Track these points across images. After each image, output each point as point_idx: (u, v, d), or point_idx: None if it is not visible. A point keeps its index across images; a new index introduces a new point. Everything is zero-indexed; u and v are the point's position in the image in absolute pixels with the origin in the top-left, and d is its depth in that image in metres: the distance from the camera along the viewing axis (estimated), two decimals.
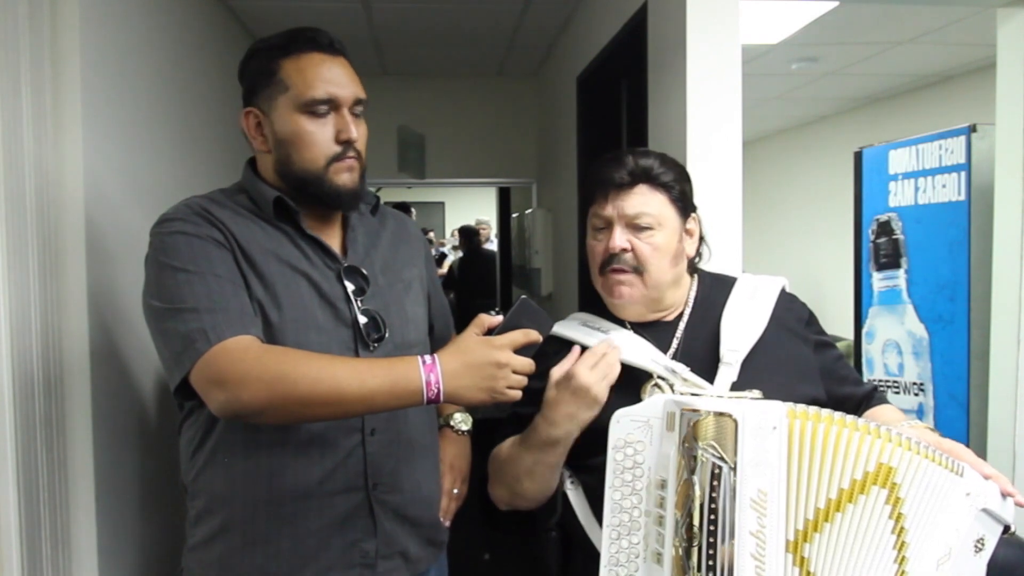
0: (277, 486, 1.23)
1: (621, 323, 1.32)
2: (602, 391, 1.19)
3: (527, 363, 1.13)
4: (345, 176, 1.27)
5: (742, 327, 1.27)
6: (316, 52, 1.25)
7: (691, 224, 1.33)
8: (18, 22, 1.52)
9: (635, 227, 1.26)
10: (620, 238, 1.26)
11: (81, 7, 1.71)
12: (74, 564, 1.67)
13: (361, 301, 1.29)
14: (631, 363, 1.24)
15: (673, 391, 1.19)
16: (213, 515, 1.26)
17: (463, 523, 1.50)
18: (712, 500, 0.98)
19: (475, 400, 1.12)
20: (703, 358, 1.25)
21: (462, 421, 1.54)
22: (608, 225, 1.28)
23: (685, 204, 1.31)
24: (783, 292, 1.35)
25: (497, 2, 3.38)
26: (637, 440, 1.08)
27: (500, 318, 1.15)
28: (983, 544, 1.06)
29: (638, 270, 1.26)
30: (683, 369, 1.22)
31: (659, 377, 1.22)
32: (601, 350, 1.21)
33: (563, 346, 1.31)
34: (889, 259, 2.73)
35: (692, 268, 1.37)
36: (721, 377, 1.22)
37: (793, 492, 1.00)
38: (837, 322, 3.51)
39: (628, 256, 1.26)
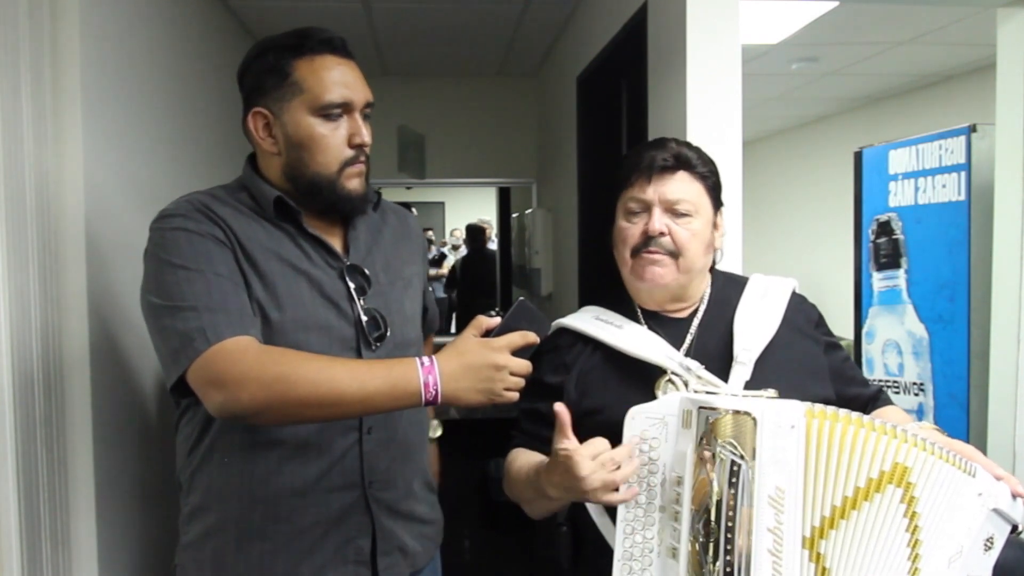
0: (274, 484, 1.23)
1: (635, 318, 1.33)
2: (598, 492, 1.05)
3: (525, 365, 1.13)
4: (355, 182, 1.27)
5: (756, 327, 1.27)
6: (330, 54, 1.25)
7: (719, 218, 1.34)
8: (18, 22, 1.51)
9: (674, 212, 1.27)
10: (659, 221, 1.26)
11: (81, 7, 1.70)
12: (74, 564, 1.66)
13: (363, 300, 1.29)
14: (644, 359, 1.24)
15: (687, 388, 1.20)
16: (208, 512, 1.27)
17: (457, 523, 1.50)
18: (731, 497, 0.99)
19: (473, 402, 1.12)
20: (716, 356, 1.25)
21: (434, 428, 1.58)
22: (646, 209, 1.28)
23: (717, 197, 1.32)
24: (794, 293, 1.36)
25: (497, 2, 3.37)
26: (652, 436, 1.08)
27: (498, 320, 1.16)
28: (992, 543, 1.06)
29: (674, 254, 1.27)
30: (697, 367, 1.22)
31: (672, 373, 1.22)
32: (620, 455, 1.06)
33: (576, 339, 1.32)
34: (889, 259, 2.72)
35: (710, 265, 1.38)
36: (735, 376, 1.22)
37: (810, 489, 1.01)
38: (837, 322, 3.47)
39: (666, 240, 1.26)
